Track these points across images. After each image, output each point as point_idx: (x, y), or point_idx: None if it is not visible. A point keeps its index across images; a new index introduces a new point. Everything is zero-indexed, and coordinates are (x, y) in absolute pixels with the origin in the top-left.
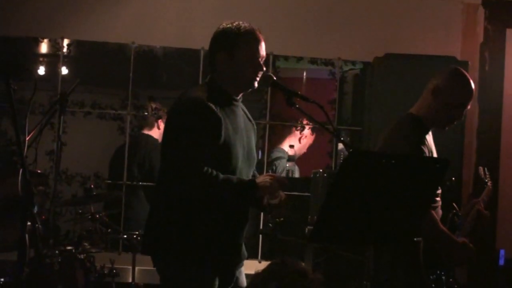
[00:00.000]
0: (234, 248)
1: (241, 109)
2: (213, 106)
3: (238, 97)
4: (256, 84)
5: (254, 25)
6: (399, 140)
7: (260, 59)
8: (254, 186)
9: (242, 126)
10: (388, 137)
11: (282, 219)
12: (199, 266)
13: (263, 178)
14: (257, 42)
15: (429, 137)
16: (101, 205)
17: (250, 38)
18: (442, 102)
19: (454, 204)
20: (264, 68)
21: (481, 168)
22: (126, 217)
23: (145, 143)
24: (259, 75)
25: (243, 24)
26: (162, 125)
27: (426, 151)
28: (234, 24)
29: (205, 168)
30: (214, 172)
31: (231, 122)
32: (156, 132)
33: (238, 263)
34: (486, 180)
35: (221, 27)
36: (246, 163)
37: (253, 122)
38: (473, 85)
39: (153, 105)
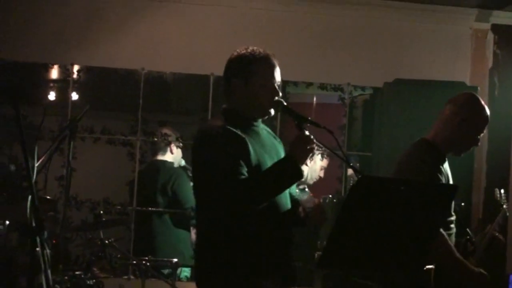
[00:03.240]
0: (280, 270)
1: (264, 130)
2: (234, 129)
3: (257, 121)
4: (272, 112)
5: (269, 51)
6: (414, 165)
7: (275, 85)
8: (289, 156)
9: (269, 144)
10: (403, 162)
11: (323, 224)
12: None
13: (293, 145)
14: (272, 68)
15: (445, 164)
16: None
17: (265, 64)
18: (465, 130)
19: (467, 230)
20: (280, 94)
21: (496, 190)
22: (154, 244)
23: (163, 168)
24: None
25: (258, 50)
26: (174, 149)
27: (443, 178)
28: (249, 50)
29: (248, 177)
30: (251, 176)
31: (256, 142)
32: (170, 156)
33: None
34: (502, 203)
35: (235, 53)
36: None
37: (279, 139)
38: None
39: (163, 131)
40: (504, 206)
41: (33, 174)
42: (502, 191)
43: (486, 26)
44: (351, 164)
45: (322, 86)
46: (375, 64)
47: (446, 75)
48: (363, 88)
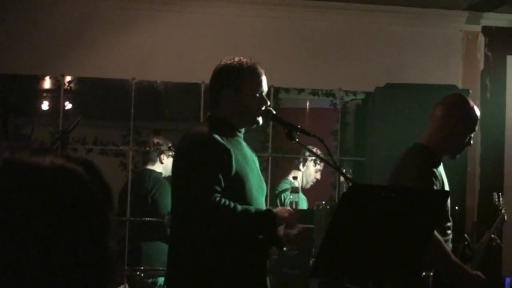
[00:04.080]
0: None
1: (243, 140)
2: (220, 138)
3: (242, 130)
4: (260, 120)
5: (255, 60)
6: (409, 172)
7: (264, 94)
8: (272, 215)
9: (249, 155)
10: (397, 169)
11: (296, 252)
12: None
13: (281, 209)
14: (260, 77)
15: (440, 168)
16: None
17: (253, 73)
18: (459, 130)
19: (465, 235)
20: (269, 102)
21: (495, 194)
22: (132, 253)
23: (148, 178)
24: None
25: (245, 59)
26: (164, 159)
27: (438, 183)
28: (236, 60)
29: (222, 200)
30: (232, 204)
31: (239, 153)
32: (159, 167)
33: None
34: (500, 207)
35: (222, 63)
36: (259, 192)
37: (255, 153)
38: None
39: (155, 140)
40: (503, 211)
41: None
42: (501, 194)
43: (477, 28)
44: (343, 171)
45: (314, 92)
46: (366, 69)
47: (437, 79)
48: (354, 93)
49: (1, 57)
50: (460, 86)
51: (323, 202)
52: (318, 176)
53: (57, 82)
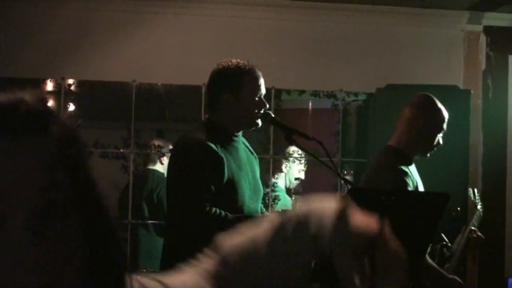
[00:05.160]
0: None
1: (241, 143)
2: (214, 146)
3: (239, 133)
4: (259, 123)
5: (253, 61)
6: (380, 174)
7: (262, 96)
8: None
9: (245, 160)
10: (369, 172)
11: None
12: None
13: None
14: (258, 80)
15: (413, 168)
16: None
17: (251, 77)
18: (428, 131)
19: (442, 234)
20: (267, 106)
21: (470, 190)
22: (137, 255)
23: (152, 177)
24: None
25: (242, 62)
26: (164, 160)
27: (410, 182)
28: (234, 63)
29: (213, 209)
30: (223, 213)
31: (234, 159)
32: (161, 167)
33: None
34: (476, 203)
35: (220, 66)
36: (253, 197)
37: (255, 154)
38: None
39: (156, 143)
40: (479, 207)
41: None
42: (476, 190)
43: (478, 28)
44: (345, 173)
45: (315, 93)
46: (367, 70)
47: (438, 79)
48: (356, 94)
49: (1, 60)
50: (461, 86)
51: None
52: (302, 176)
53: (58, 85)
